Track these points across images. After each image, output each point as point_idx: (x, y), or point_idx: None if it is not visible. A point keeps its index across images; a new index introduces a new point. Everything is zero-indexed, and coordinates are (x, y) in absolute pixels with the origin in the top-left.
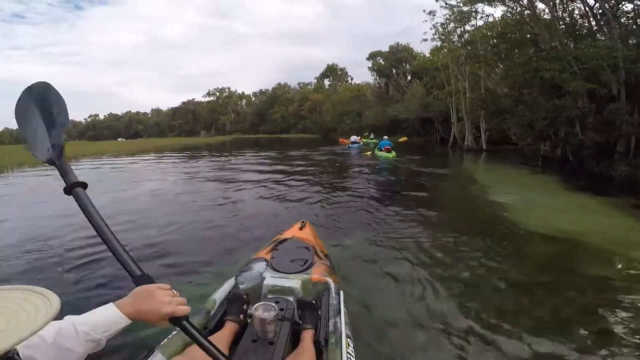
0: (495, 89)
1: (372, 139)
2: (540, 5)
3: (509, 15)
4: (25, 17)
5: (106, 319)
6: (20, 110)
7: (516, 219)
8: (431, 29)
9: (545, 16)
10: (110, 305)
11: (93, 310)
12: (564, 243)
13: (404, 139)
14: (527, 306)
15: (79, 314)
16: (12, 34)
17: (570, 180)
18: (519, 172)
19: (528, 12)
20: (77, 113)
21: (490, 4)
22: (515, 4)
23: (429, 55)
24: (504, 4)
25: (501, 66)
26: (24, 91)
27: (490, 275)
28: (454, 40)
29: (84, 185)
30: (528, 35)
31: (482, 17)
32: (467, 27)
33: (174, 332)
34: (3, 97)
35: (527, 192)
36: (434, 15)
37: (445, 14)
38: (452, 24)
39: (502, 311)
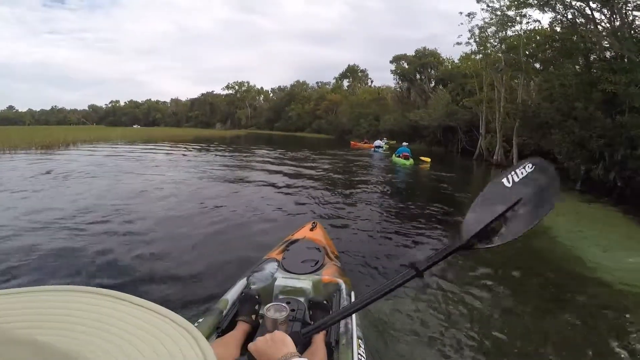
0: (538, 101)
1: (386, 143)
2: (596, 14)
3: (557, 22)
4: (65, 2)
5: None
6: None
7: (614, 284)
8: (469, 31)
9: (600, 26)
10: None
11: None
12: None
13: (427, 160)
14: None
15: None
16: (51, 19)
17: (637, 212)
18: (570, 198)
19: (581, 20)
20: (100, 99)
21: (541, 9)
22: (567, 10)
23: (457, 61)
24: (554, 10)
25: (540, 76)
26: None
27: None
28: (494, 44)
29: None
30: (581, 44)
31: (528, 22)
32: (509, 32)
33: None
34: (34, 80)
35: (600, 233)
36: (473, 17)
37: (485, 17)
38: (492, 28)
39: None
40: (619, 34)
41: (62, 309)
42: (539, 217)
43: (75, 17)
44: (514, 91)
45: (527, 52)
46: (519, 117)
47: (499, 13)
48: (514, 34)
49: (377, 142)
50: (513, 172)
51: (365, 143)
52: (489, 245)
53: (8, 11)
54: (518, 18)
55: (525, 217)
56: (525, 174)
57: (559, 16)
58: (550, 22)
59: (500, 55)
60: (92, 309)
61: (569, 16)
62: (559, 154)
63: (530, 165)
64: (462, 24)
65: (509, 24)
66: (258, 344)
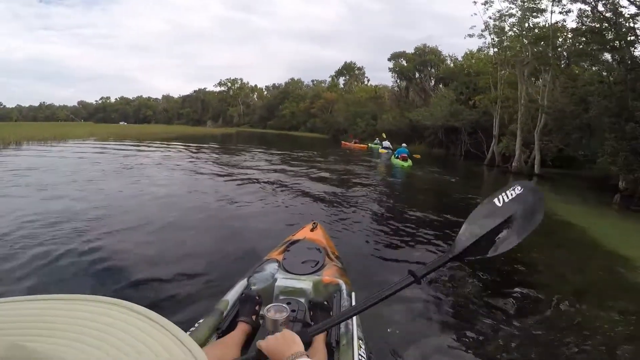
0: (569, 99)
1: (376, 143)
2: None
3: (586, 15)
4: None
5: None
6: None
7: None
8: (484, 23)
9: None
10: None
11: None
12: None
13: (417, 156)
14: None
15: None
16: (47, 15)
17: None
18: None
19: (610, 14)
20: (91, 95)
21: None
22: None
23: (460, 59)
24: (584, 2)
25: (566, 73)
26: None
27: None
28: (517, 34)
29: None
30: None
31: (562, 12)
32: (532, 23)
33: (192, 329)
34: (26, 76)
35: None
36: (490, 5)
37: (503, 8)
38: (512, 18)
39: None
40: None
41: (44, 316)
42: (528, 231)
43: (72, 13)
44: (546, 87)
45: (556, 44)
46: (551, 118)
47: (520, 1)
48: (536, 25)
49: (386, 144)
50: (503, 194)
51: (355, 143)
52: (480, 256)
53: (4, 7)
54: (550, 5)
55: (516, 231)
56: (514, 195)
57: (587, 7)
58: (578, 14)
59: (522, 46)
60: (72, 314)
61: (600, 8)
62: (613, 164)
63: (519, 187)
64: (475, 14)
65: (534, 13)
66: (269, 342)
